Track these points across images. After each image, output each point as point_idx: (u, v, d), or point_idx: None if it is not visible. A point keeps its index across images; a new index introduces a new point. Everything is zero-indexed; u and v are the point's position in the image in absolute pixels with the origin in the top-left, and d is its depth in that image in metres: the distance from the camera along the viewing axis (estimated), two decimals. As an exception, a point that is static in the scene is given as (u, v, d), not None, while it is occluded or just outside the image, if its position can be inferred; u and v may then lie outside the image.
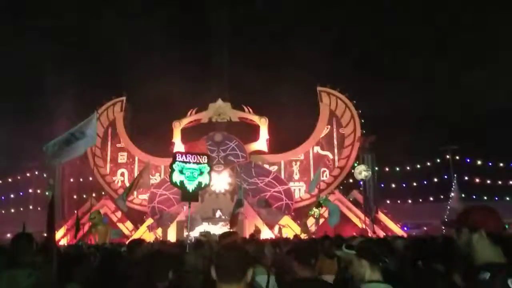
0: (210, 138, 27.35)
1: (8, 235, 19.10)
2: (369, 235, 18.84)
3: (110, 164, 30.48)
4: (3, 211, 30.64)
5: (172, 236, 23.11)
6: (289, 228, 23.84)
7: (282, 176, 28.13)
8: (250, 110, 29.41)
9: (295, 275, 3.42)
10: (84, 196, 27.89)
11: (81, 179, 28.67)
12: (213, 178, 21.26)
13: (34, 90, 34.17)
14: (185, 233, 20.18)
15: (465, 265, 3.02)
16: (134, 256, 4.92)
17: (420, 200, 28.87)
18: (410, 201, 29.31)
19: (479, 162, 28.63)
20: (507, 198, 27.59)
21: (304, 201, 27.15)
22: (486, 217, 2.25)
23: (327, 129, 28.81)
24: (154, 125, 30.04)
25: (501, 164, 28.40)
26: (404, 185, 29.21)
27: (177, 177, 9.53)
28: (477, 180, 28.22)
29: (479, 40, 32.66)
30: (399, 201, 29.12)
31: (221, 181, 25.77)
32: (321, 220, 22.09)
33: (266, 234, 21.52)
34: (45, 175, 26.75)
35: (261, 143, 28.77)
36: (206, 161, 9.75)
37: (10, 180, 30.51)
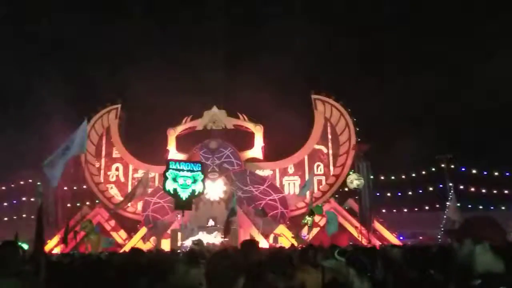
0: (205, 146, 27.31)
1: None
2: (364, 243, 18.75)
3: (103, 172, 30.26)
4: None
5: (166, 245, 22.89)
6: (284, 238, 23.69)
7: (277, 175, 28.08)
8: (245, 117, 29.39)
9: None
10: (78, 204, 27.67)
11: (75, 187, 28.41)
12: (208, 186, 21.32)
13: (28, 98, 33.95)
14: (179, 243, 20.05)
15: (462, 275, 2.97)
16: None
17: (416, 209, 28.78)
18: (405, 210, 29.22)
19: (474, 171, 28.67)
20: (503, 207, 27.58)
21: (299, 209, 26.97)
22: (490, 229, 2.22)
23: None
24: (149, 132, 29.97)
25: (496, 173, 28.45)
26: (399, 194, 29.14)
27: (170, 185, 9.49)
28: (472, 189, 28.21)
29: (471, 49, 32.87)
30: (394, 210, 29.01)
31: (216, 189, 25.58)
32: (316, 229, 21.94)
33: (261, 243, 21.33)
34: (38, 183, 26.50)
35: (256, 151, 28.75)
36: (199, 168, 9.68)
37: (3, 188, 30.18)
